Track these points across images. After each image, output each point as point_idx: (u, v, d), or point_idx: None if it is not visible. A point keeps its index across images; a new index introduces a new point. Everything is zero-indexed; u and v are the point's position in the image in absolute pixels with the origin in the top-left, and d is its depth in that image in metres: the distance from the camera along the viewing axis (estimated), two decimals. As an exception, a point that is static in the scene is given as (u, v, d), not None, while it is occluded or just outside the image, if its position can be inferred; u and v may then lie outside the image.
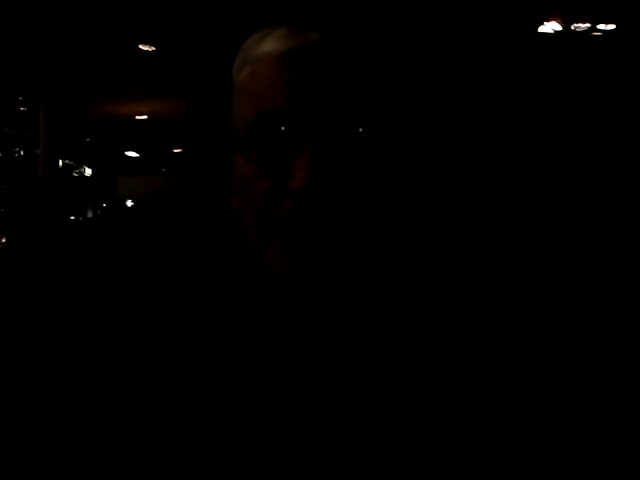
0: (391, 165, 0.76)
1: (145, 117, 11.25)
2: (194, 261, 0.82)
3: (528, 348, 0.75)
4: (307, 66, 0.73)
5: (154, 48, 7.26)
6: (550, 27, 5.95)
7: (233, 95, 0.79)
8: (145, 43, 7.13)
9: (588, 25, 5.98)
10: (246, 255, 0.76)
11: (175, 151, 13.88)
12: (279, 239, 0.73)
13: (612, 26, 5.99)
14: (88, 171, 13.20)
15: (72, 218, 10.65)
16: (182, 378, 0.74)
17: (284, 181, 0.72)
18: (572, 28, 6.00)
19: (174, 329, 0.77)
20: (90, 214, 11.97)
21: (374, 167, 0.75)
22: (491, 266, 0.82)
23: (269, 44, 0.75)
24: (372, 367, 0.73)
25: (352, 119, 0.73)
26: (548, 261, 0.91)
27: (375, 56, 0.76)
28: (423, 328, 0.74)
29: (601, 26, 6.00)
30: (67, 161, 11.93)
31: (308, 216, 0.72)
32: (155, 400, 0.74)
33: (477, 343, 0.74)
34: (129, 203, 11.67)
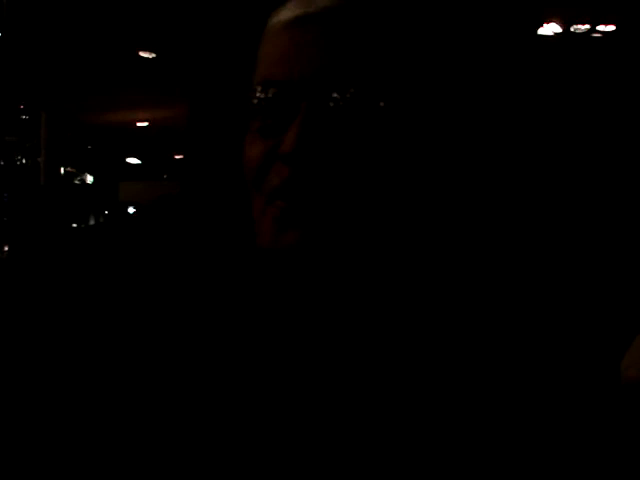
0: (395, 140, 0.73)
1: (146, 124, 11.28)
2: (195, 266, 0.82)
3: (532, 348, 0.74)
4: (311, 32, 0.71)
5: (154, 55, 7.28)
6: (550, 29, 5.96)
7: None
8: (145, 50, 7.15)
9: (588, 27, 5.99)
10: (244, 257, 0.76)
11: (176, 157, 13.90)
12: (271, 206, 0.72)
13: (612, 27, 6.00)
14: (90, 178, 13.22)
15: (74, 226, 10.66)
16: (189, 380, 0.74)
17: (278, 146, 0.71)
18: (572, 30, 6.01)
19: (177, 329, 0.77)
20: (92, 221, 11.99)
21: (375, 137, 0.72)
22: (494, 258, 0.82)
23: (281, 12, 0.74)
24: (366, 361, 0.72)
25: (353, 88, 0.70)
26: (553, 261, 0.90)
27: (385, 25, 0.72)
28: (424, 320, 0.74)
29: (601, 27, 6.01)
30: (69, 169, 11.95)
31: (299, 183, 0.70)
32: (161, 398, 0.74)
33: (482, 340, 0.74)
34: (131, 210, 11.69)
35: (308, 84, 0.70)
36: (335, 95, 0.70)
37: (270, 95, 0.72)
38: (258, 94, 0.73)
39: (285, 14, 0.74)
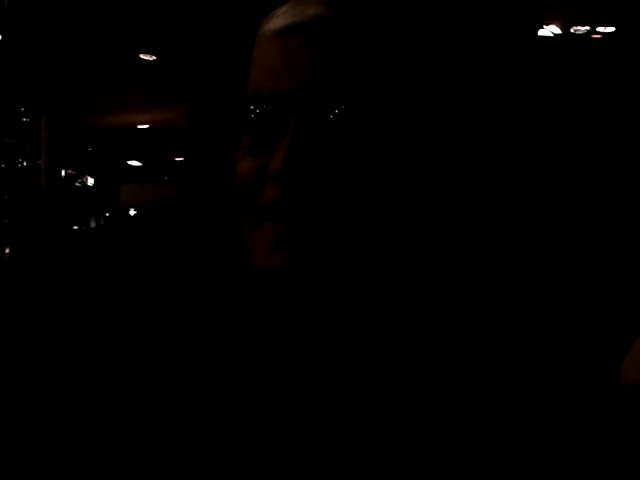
0: (386, 154, 0.70)
1: (147, 126, 11.28)
2: (194, 268, 0.82)
3: (532, 350, 0.75)
4: (300, 42, 0.68)
5: (155, 57, 7.29)
6: (550, 30, 5.96)
7: None
8: (146, 52, 7.16)
9: (587, 28, 5.99)
10: (243, 260, 0.75)
11: (177, 159, 13.91)
12: (262, 226, 0.69)
13: (612, 28, 6.00)
14: (90, 181, 13.22)
15: (75, 228, 10.67)
16: (183, 382, 0.74)
17: (268, 164, 0.68)
18: (572, 31, 6.01)
19: (175, 334, 0.77)
20: (93, 224, 11.99)
21: (367, 154, 0.68)
22: (492, 261, 0.82)
23: (272, 20, 0.72)
24: (363, 370, 0.72)
25: (344, 101, 0.67)
26: (553, 262, 0.90)
27: (377, 36, 0.70)
28: (419, 327, 0.74)
29: (600, 28, 6.01)
30: (69, 171, 11.96)
31: (290, 204, 0.67)
32: (156, 402, 0.74)
33: (478, 341, 0.74)
34: (132, 212, 11.69)
35: (297, 98, 0.67)
36: (325, 109, 0.67)
37: (258, 111, 0.69)
38: (247, 110, 0.70)
39: (276, 22, 0.71)
